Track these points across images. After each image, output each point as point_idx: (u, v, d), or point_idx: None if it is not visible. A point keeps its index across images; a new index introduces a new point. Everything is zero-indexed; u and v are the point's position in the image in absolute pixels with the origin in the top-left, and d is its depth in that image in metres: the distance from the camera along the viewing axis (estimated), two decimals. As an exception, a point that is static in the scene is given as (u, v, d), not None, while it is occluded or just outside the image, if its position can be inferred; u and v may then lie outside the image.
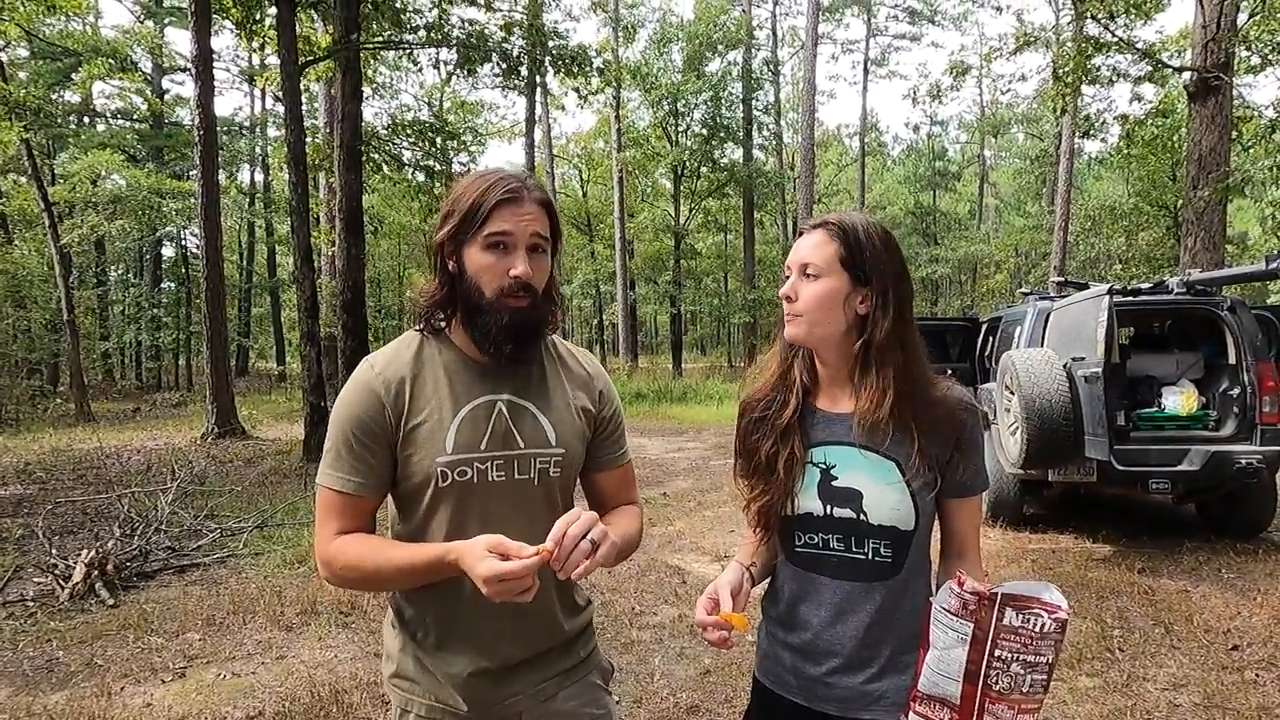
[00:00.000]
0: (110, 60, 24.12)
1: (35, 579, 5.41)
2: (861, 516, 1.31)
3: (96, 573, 5.19)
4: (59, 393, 21.94)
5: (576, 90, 11.51)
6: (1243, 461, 5.24)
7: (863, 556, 1.32)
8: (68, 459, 11.70)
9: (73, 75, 25.04)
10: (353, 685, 3.68)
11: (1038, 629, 1.12)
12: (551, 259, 1.38)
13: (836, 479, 1.33)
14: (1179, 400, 6.05)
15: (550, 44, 10.80)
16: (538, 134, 26.94)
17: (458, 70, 11.24)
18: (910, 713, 1.23)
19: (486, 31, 10.99)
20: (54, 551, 5.72)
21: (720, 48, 27.18)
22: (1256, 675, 3.64)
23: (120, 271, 31.36)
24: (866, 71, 31.49)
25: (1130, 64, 12.87)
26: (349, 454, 1.30)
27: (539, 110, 26.93)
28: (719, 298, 32.29)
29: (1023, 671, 1.12)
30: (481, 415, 1.33)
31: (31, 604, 4.99)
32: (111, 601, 4.96)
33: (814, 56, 22.60)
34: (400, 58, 15.13)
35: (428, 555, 1.23)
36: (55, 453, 12.44)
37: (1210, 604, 4.57)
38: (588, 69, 10.84)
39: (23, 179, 20.68)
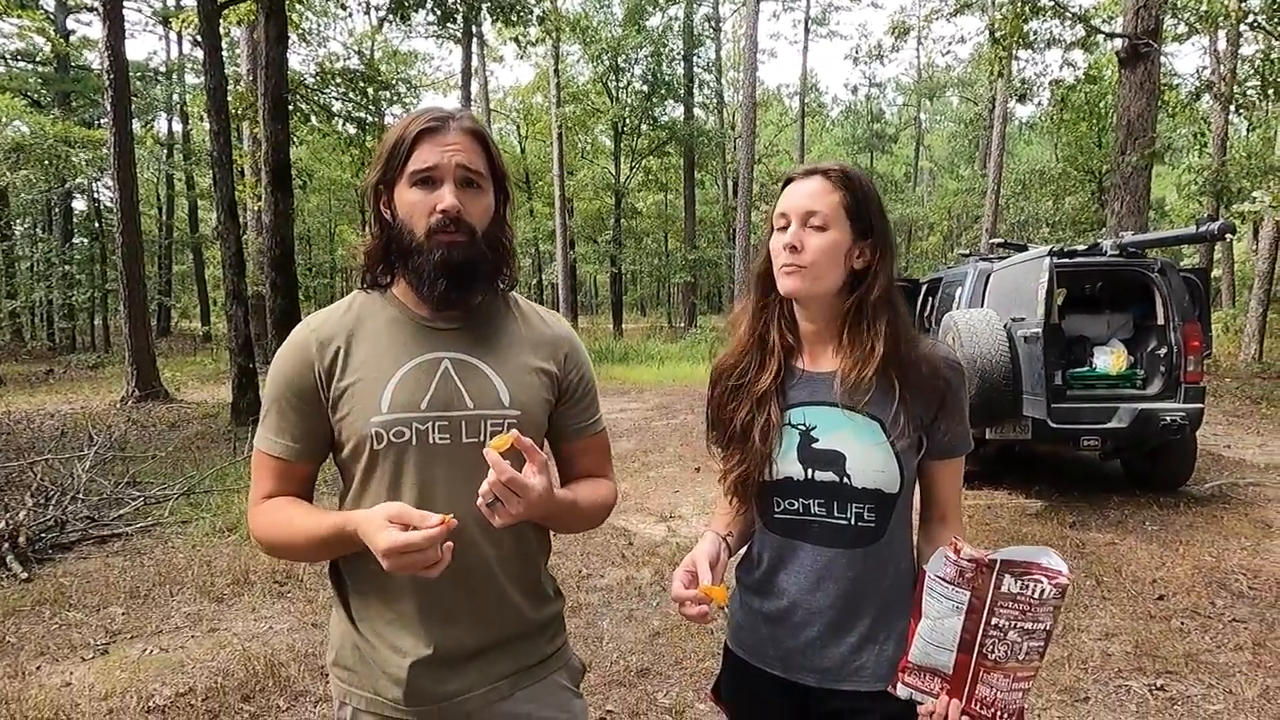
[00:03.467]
0: (7, -4, 22.32)
1: (-62, 553, 5.07)
2: (845, 480, 1.24)
3: (7, 545, 4.88)
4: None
5: (515, 40, 11.12)
6: (1167, 419, 5.44)
7: (845, 521, 1.26)
8: (-28, 425, 11.00)
9: (-35, 12, 23.12)
10: (290, 658, 3.54)
11: (1037, 595, 1.07)
12: (498, 202, 1.27)
13: (817, 441, 1.26)
14: (1109, 360, 6.24)
15: (487, -9, 10.38)
16: (474, 87, 26.13)
17: (390, 16, 10.72)
18: (899, 684, 1.18)
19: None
20: (-41, 523, 5.35)
21: (662, 2, 26.69)
22: (1182, 624, 3.80)
23: (26, 226, 29.53)
24: (807, 30, 31.35)
25: (1064, 29, 13.07)
26: (279, 415, 1.24)
27: (475, 62, 26.08)
28: (659, 258, 32.24)
29: (1019, 639, 1.08)
30: (424, 373, 1.22)
31: (-65, 580, 4.67)
32: (24, 575, 4.67)
33: (756, 13, 22.32)
34: (328, 1, 14.38)
35: (328, 525, 1.15)
36: (-42, 418, 11.69)
37: (1137, 556, 4.75)
38: (527, 17, 10.45)
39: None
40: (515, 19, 10.37)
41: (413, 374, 1.22)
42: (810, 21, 31.18)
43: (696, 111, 29.30)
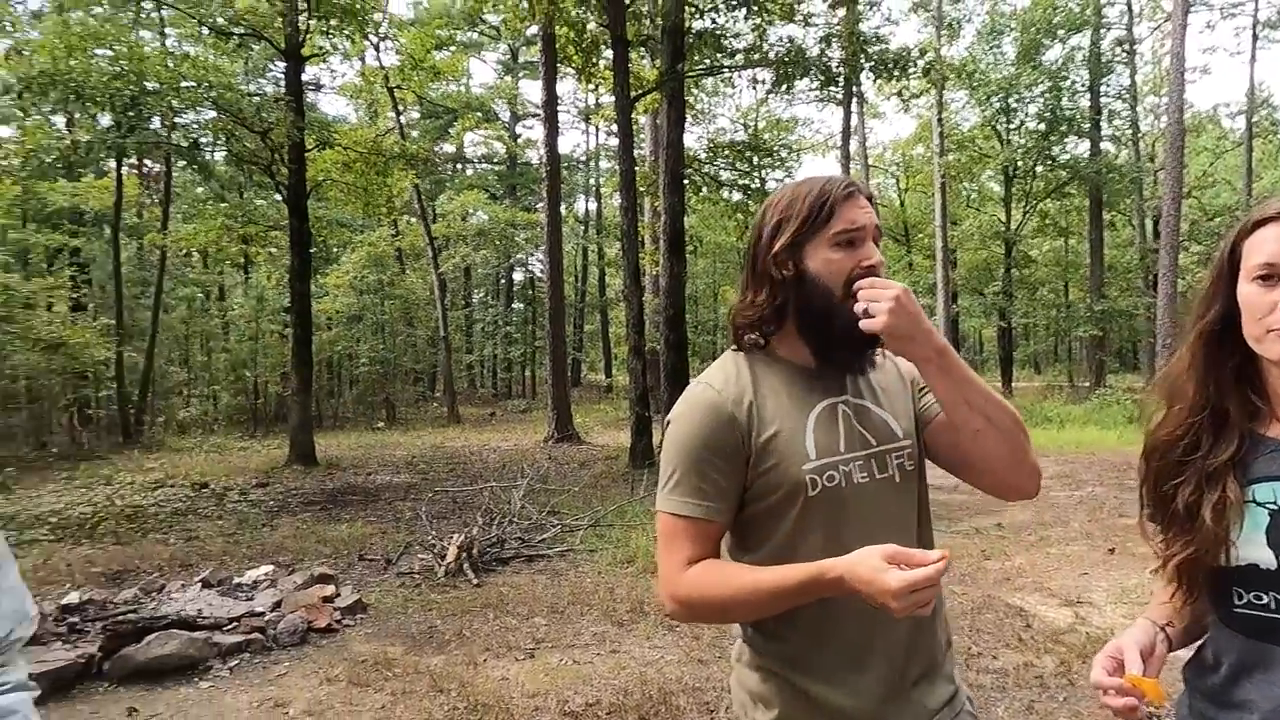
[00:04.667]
0: (478, 114, 28.18)
1: (419, 555, 6.37)
2: None
3: (464, 555, 5.97)
4: (435, 398, 25.95)
5: (899, 95, 11.04)
6: None
7: None
8: (442, 454, 13.74)
9: (450, 129, 29.65)
10: (679, 689, 3.79)
11: None
12: None
13: (1297, 522, 1.05)
14: None
15: (870, 49, 10.50)
16: (853, 145, 26.37)
17: (775, 88, 11.37)
18: None
19: (804, 46, 10.99)
20: (433, 533, 6.70)
21: (1061, 32, 24.47)
22: None
23: (481, 294, 36.34)
24: (1255, 38, 26.33)
25: None
26: (697, 476, 1.24)
27: (854, 120, 26.37)
28: (1058, 309, 28.94)
29: None
30: (829, 419, 1.27)
31: (417, 576, 5.88)
32: (475, 581, 5.67)
33: (1184, 26, 19.35)
34: (720, 82, 15.71)
35: (800, 575, 1.13)
36: (433, 448, 14.69)
37: None
38: (909, 71, 10.35)
39: (413, 219, 24.85)
40: (898, 74, 10.33)
41: (822, 420, 1.27)
42: (1260, 26, 26.15)
43: (1105, 145, 26.10)
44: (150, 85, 11.98)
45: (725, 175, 14.97)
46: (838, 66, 10.78)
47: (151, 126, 14.11)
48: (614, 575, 5.81)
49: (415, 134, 28.22)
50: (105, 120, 15.84)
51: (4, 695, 0.96)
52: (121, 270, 18.53)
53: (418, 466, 12.22)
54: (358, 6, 11.19)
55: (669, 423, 1.32)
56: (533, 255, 31.79)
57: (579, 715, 3.57)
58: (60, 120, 18.99)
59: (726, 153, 14.40)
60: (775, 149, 15.84)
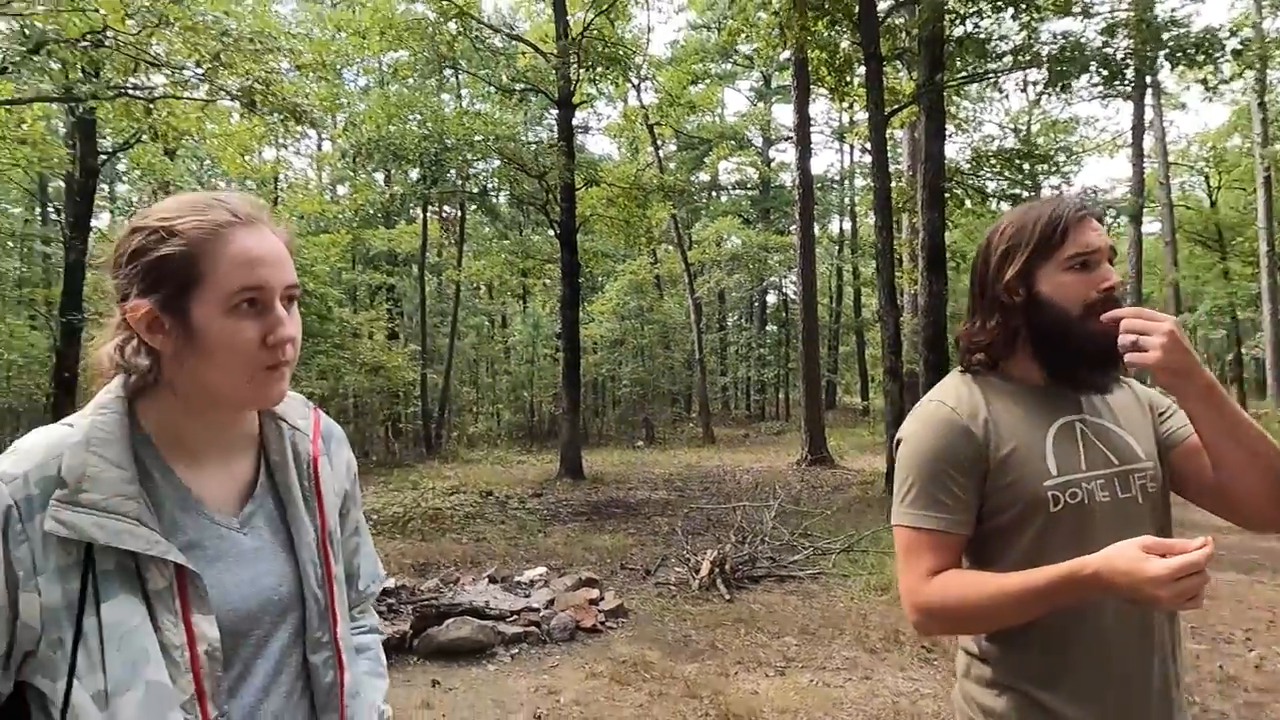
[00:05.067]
0: (731, 142, 28.86)
1: (675, 568, 6.67)
2: None
3: (717, 570, 6.16)
4: (690, 418, 26.80)
5: (1203, 83, 9.70)
6: None
7: None
8: (696, 473, 14.18)
9: (704, 158, 30.66)
10: (935, 722, 3.66)
11: None
12: None
13: None
14: None
15: (1165, 36, 9.33)
16: (1147, 142, 23.46)
17: (1048, 89, 10.49)
18: None
19: (1082, 40, 10.03)
20: (688, 547, 6.99)
21: None
22: None
23: (735, 317, 36.94)
24: None
25: None
26: (937, 488, 1.26)
27: (1149, 115, 23.43)
28: None
29: None
30: (1066, 436, 1.27)
31: (673, 588, 6.17)
32: (727, 596, 5.83)
33: None
34: (984, 89, 14.80)
35: (1051, 574, 1.10)
36: (688, 467, 15.19)
37: None
38: (1217, 55, 9.05)
39: (670, 246, 26.00)
40: (1202, 59, 9.08)
41: (1060, 438, 1.27)
42: None
43: None
44: (449, 142, 13.82)
45: (991, 185, 14.03)
46: (1124, 58, 9.71)
47: (449, 177, 16.21)
48: (867, 601, 5.69)
49: (672, 165, 29.53)
50: (414, 174, 18.46)
51: (361, 635, 1.25)
52: (426, 302, 21.35)
53: (674, 484, 12.73)
54: (620, 54, 12.05)
55: (899, 441, 1.35)
56: (786, 277, 31.78)
57: (828, 736, 3.58)
58: (380, 177, 22.43)
59: (993, 161, 13.50)
60: (1051, 153, 14.54)
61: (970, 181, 12.89)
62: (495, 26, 14.18)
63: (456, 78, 20.19)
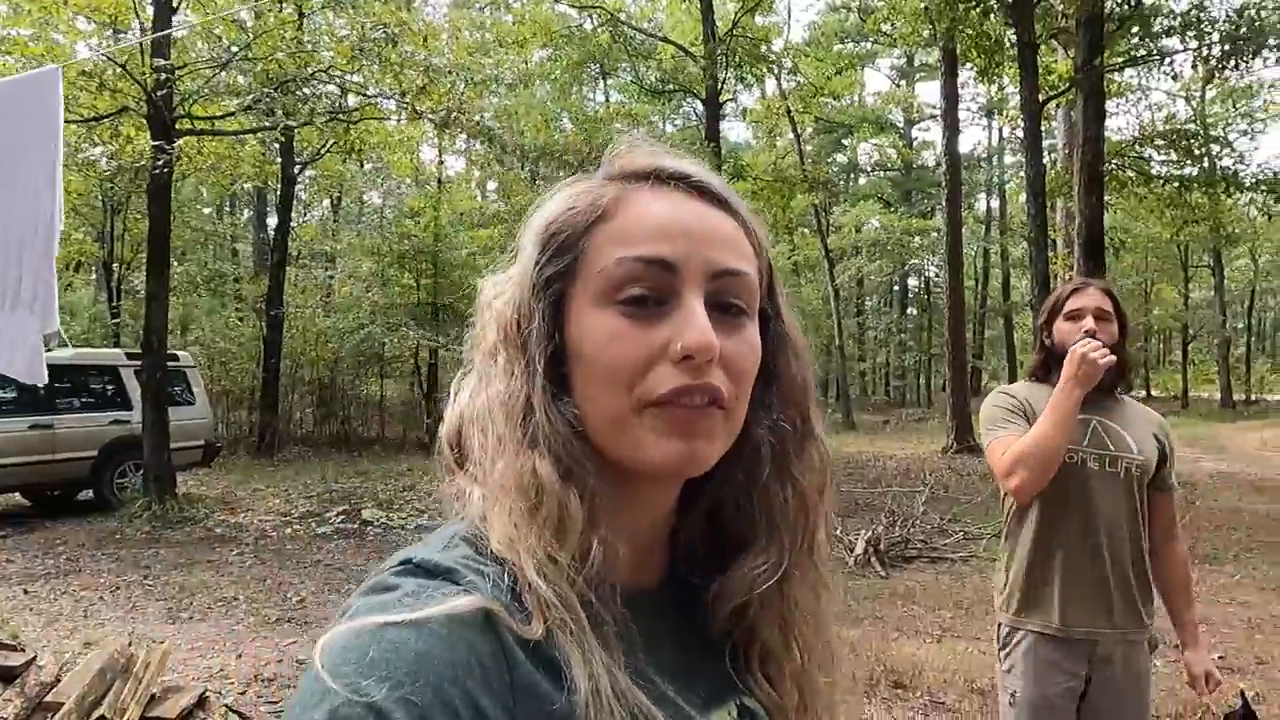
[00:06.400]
0: (872, 124, 28.44)
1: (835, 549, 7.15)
2: None
3: (872, 549, 6.63)
4: (828, 403, 26.84)
5: (1398, 55, 9.06)
6: None
7: None
8: (840, 458, 14.45)
9: (844, 141, 30.37)
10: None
11: None
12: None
13: None
14: None
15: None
16: (1344, 105, 21.36)
17: (1221, 66, 10.06)
18: None
19: (1258, 13, 9.57)
20: (841, 528, 7.46)
21: None
22: None
23: (874, 302, 36.38)
24: None
25: None
26: (1005, 422, 2.07)
27: (1347, 75, 21.30)
28: None
29: None
30: (1080, 424, 1.96)
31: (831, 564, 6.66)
32: (883, 573, 6.29)
33: None
34: (1145, 70, 14.13)
35: (1052, 400, 1.92)
36: (831, 452, 15.45)
37: None
38: None
39: (807, 231, 26.06)
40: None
41: (1079, 424, 1.97)
42: None
43: None
44: (598, 143, 14.65)
45: (1158, 166, 13.45)
46: (1306, 33, 9.21)
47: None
48: (1020, 583, 5.99)
49: (810, 148, 29.43)
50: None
51: None
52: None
53: (818, 469, 13.09)
54: (766, 53, 12.44)
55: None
56: (929, 260, 31.04)
57: (985, 693, 4.02)
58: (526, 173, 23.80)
59: (1159, 141, 12.95)
60: (1222, 133, 13.73)
61: (1134, 165, 12.44)
62: (647, 31, 14.86)
63: (604, 79, 21.09)
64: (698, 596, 0.61)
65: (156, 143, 7.79)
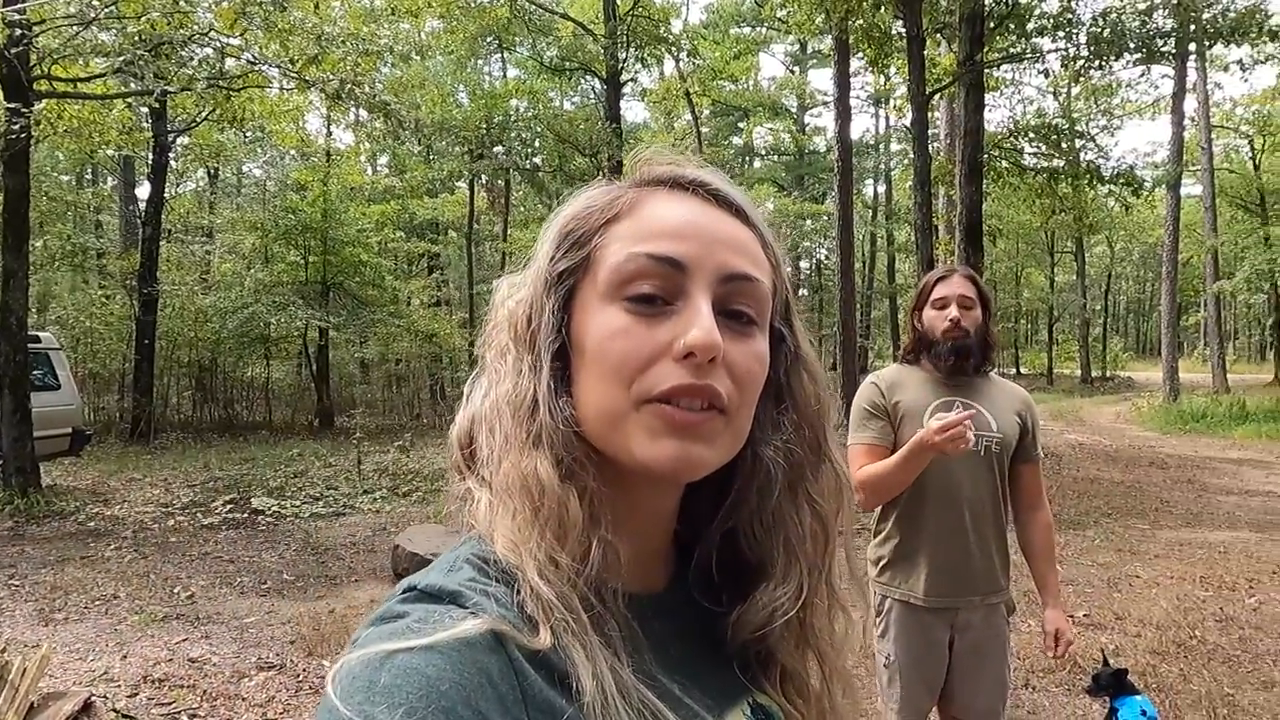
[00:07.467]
0: (767, 109, 29.02)
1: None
2: None
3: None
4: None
5: (1240, 64, 9.97)
6: None
7: None
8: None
9: (739, 124, 30.88)
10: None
11: None
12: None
13: None
14: None
15: (1205, 16, 9.59)
16: (1189, 105, 23.32)
17: (1087, 66, 10.78)
18: None
19: (1120, 20, 10.29)
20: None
21: None
22: None
23: (768, 283, 37.32)
24: None
25: None
26: (866, 422, 2.25)
27: (1191, 77, 23.26)
28: None
29: None
30: (944, 406, 2.09)
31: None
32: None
33: None
34: (1022, 67, 15.00)
35: (903, 449, 2.02)
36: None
37: None
38: (1253, 37, 9.32)
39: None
40: (1238, 39, 9.34)
41: (940, 406, 2.11)
42: None
43: None
44: (498, 119, 14.39)
45: (1029, 159, 14.32)
46: (1162, 41, 9.98)
47: (497, 153, 16.79)
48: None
49: (706, 131, 29.79)
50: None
51: None
52: (473, 271, 22.09)
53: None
54: (666, 34, 12.48)
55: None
56: (820, 244, 32.06)
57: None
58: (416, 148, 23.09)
59: (1030, 135, 13.77)
60: (1085, 129, 14.74)
61: (1009, 156, 13.20)
62: (546, 7, 14.62)
63: (502, 55, 20.65)
64: (706, 602, 0.62)
65: (11, 105, 7.14)
